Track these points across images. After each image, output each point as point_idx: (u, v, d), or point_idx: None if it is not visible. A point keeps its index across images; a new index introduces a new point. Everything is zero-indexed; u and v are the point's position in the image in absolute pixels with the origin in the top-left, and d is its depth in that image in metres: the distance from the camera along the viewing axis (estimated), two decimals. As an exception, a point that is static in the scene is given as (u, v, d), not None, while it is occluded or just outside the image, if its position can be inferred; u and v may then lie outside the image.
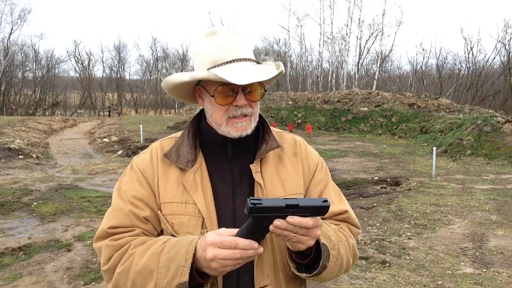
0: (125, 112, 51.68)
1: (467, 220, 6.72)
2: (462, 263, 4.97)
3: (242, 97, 1.20)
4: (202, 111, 1.34)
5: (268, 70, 1.22)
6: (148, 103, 57.49)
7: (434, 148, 11.12)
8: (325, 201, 1.00)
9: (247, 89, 1.21)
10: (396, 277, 4.56)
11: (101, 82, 57.26)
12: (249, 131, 1.24)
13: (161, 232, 1.25)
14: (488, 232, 6.12)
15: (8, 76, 46.21)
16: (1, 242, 5.68)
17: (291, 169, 1.30)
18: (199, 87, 1.27)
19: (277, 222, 0.99)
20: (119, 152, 15.41)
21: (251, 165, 1.26)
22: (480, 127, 14.81)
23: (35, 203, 7.83)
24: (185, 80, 1.22)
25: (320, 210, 1.00)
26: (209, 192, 1.23)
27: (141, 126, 18.27)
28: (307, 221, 1.00)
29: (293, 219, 0.98)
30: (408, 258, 5.12)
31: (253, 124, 1.25)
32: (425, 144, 16.71)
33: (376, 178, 10.46)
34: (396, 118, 21.03)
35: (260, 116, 1.32)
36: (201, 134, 1.31)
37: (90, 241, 5.77)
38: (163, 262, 1.09)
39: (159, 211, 1.23)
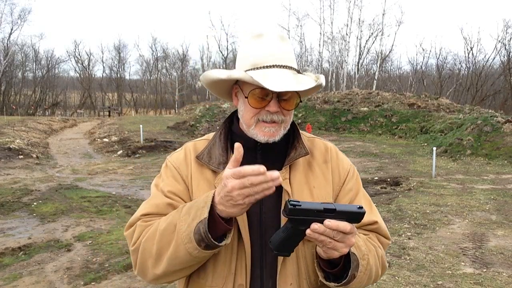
0: (125, 112, 51.66)
1: (467, 220, 6.72)
2: (462, 263, 4.97)
3: (275, 104, 1.19)
4: (234, 113, 1.35)
5: (305, 81, 1.21)
6: (148, 103, 57.47)
7: (434, 148, 11.12)
8: (361, 207, 1.01)
9: (282, 96, 1.20)
10: (396, 277, 4.56)
11: (101, 82, 57.22)
12: (276, 138, 1.23)
13: None
14: (488, 232, 6.12)
15: (8, 76, 46.19)
16: (1, 242, 5.68)
17: (320, 176, 1.28)
18: (236, 86, 1.28)
19: (315, 225, 0.98)
20: (119, 152, 15.42)
21: (279, 172, 1.24)
22: (480, 127, 14.81)
23: (35, 203, 7.83)
24: (222, 77, 1.23)
25: (355, 216, 1.01)
26: None
27: (141, 126, 18.27)
28: (345, 225, 0.99)
29: (331, 222, 0.98)
30: (408, 258, 5.12)
31: (282, 131, 1.24)
32: (425, 144, 16.71)
33: (376, 178, 10.46)
34: (396, 118, 21.03)
35: (292, 122, 1.32)
36: (232, 137, 1.31)
37: (90, 241, 5.78)
38: (184, 211, 1.11)
39: None
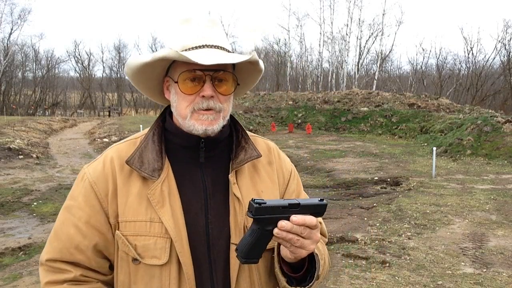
0: (125, 112, 51.64)
1: (467, 220, 6.72)
2: (462, 263, 4.97)
3: (209, 86, 1.06)
4: (167, 109, 1.19)
5: (239, 57, 1.08)
6: (148, 103, 57.41)
7: (434, 148, 11.12)
8: (322, 200, 1.00)
9: (216, 79, 1.07)
10: (396, 277, 4.56)
11: (101, 82, 57.25)
12: (215, 127, 1.09)
13: (112, 263, 1.12)
14: (488, 232, 6.12)
15: (8, 76, 46.18)
16: (1, 242, 5.68)
17: (266, 179, 1.18)
18: (167, 78, 1.14)
19: (282, 223, 0.94)
20: (119, 152, 15.42)
21: (229, 176, 1.13)
22: (480, 127, 14.82)
23: (35, 203, 7.83)
24: (146, 60, 1.07)
25: (319, 209, 0.99)
26: (178, 206, 1.07)
27: (141, 126, 18.27)
28: (311, 219, 0.96)
29: (297, 217, 0.94)
30: (408, 258, 5.12)
31: (222, 121, 1.10)
32: (425, 144, 16.71)
33: (376, 178, 10.46)
34: (396, 118, 21.05)
35: (233, 118, 1.20)
36: (167, 136, 1.15)
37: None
38: None
39: (117, 231, 1.07)
